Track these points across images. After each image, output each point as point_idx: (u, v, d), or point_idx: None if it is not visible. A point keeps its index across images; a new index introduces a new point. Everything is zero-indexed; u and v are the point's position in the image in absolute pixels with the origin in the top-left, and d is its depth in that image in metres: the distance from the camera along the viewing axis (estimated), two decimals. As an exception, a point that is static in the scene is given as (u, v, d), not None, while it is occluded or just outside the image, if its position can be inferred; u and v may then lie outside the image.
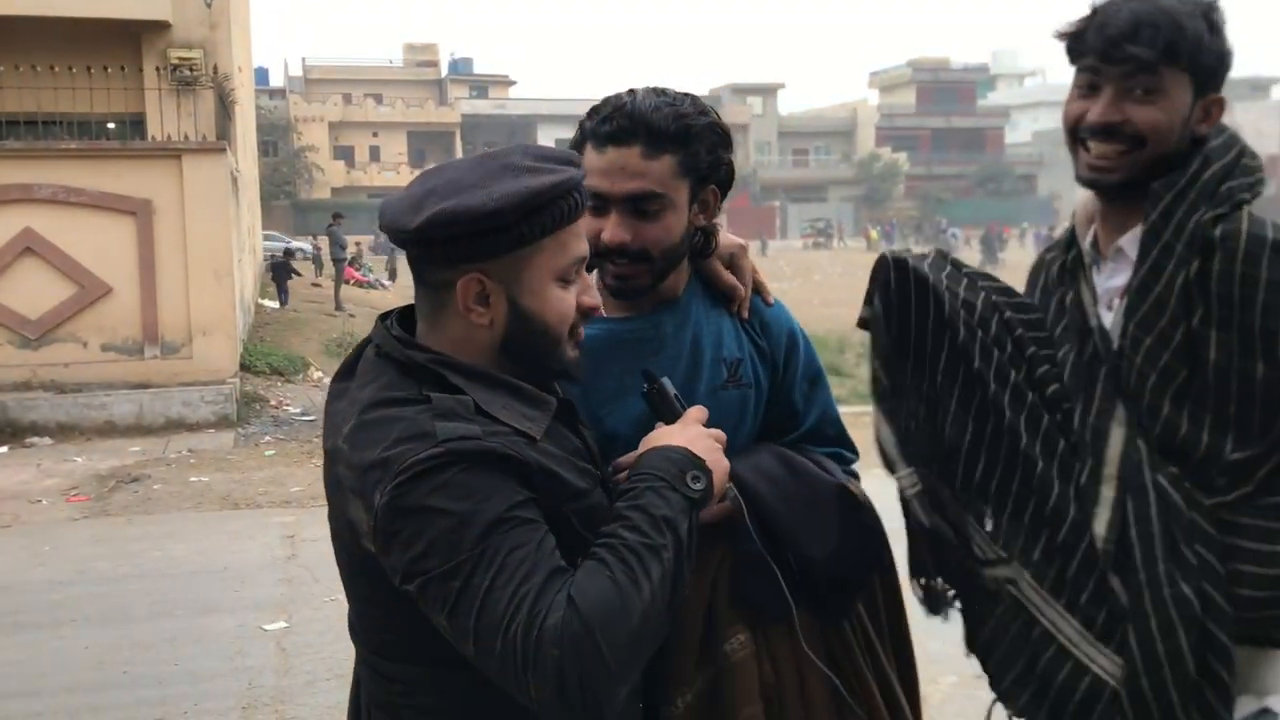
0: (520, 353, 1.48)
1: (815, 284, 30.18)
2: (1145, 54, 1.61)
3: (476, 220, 1.37)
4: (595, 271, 1.78)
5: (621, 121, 1.69)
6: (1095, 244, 1.80)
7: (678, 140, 1.70)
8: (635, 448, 1.57)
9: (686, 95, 1.77)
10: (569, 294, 1.48)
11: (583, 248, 1.48)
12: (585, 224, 1.50)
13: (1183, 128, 1.67)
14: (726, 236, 1.95)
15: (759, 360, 1.92)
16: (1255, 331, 1.59)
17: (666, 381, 1.62)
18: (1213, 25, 1.64)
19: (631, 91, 1.75)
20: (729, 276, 1.92)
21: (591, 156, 1.71)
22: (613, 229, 1.71)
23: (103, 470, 9.71)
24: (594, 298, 1.51)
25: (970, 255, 40.88)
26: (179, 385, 11.71)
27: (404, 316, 1.56)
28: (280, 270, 20.84)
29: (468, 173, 1.42)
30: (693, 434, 1.51)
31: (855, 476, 1.97)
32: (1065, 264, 1.85)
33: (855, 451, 2.04)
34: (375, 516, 1.32)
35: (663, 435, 1.52)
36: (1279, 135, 54.88)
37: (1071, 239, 1.86)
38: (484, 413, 1.40)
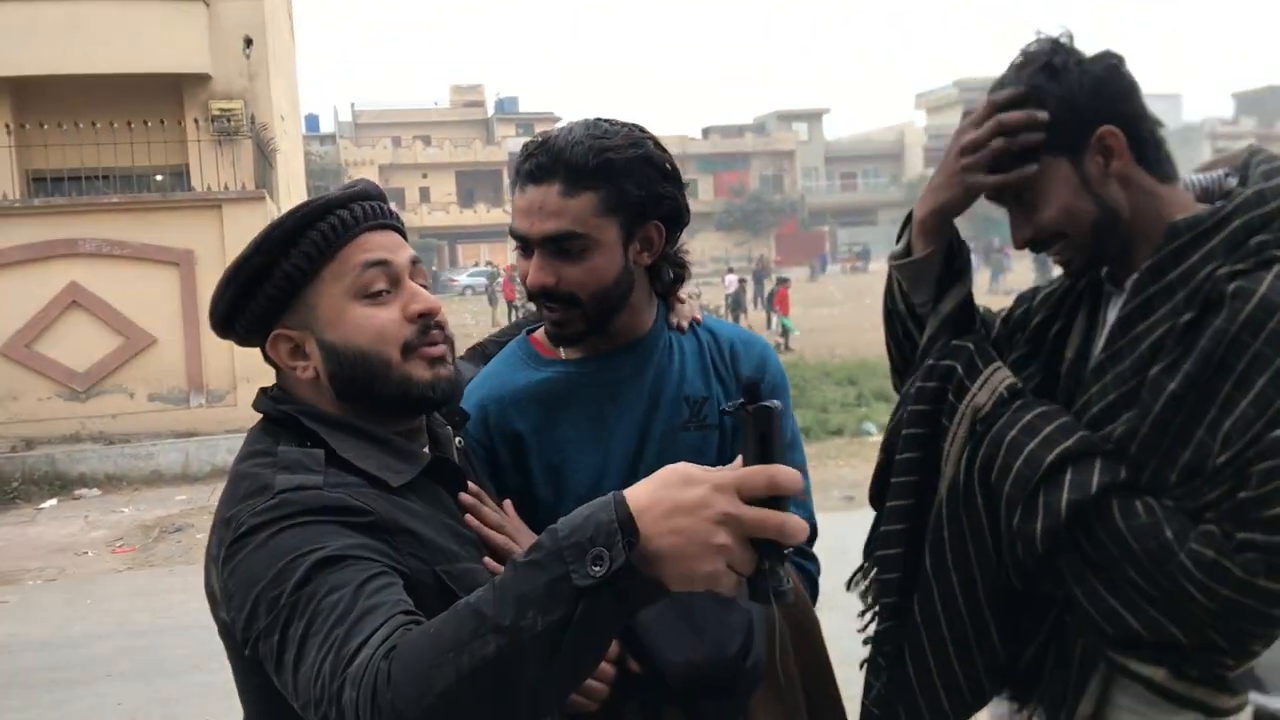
0: (353, 392, 1.37)
1: (866, 307, 29.86)
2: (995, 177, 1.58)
3: (238, 280, 1.35)
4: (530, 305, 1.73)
5: (541, 158, 1.62)
6: (1112, 274, 1.66)
7: (598, 176, 1.60)
8: None
9: (625, 126, 1.67)
10: (382, 309, 1.37)
11: (373, 254, 1.37)
12: (383, 239, 1.41)
13: (1085, 193, 1.55)
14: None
15: (725, 397, 1.79)
16: (1216, 398, 1.41)
17: (777, 407, 1.03)
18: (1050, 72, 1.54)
19: (564, 124, 1.67)
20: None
21: (516, 195, 1.66)
22: (534, 271, 1.64)
23: (148, 520, 9.75)
24: (424, 302, 1.39)
25: (1024, 272, 40.38)
26: (224, 433, 11.77)
27: None
28: None
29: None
30: (698, 498, 0.98)
31: (808, 561, 1.81)
32: (1075, 288, 1.71)
33: (814, 534, 1.83)
34: (220, 579, 1.24)
35: (657, 479, 1.02)
36: None
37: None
38: (338, 461, 1.32)
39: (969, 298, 1.72)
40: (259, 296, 1.36)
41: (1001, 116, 1.53)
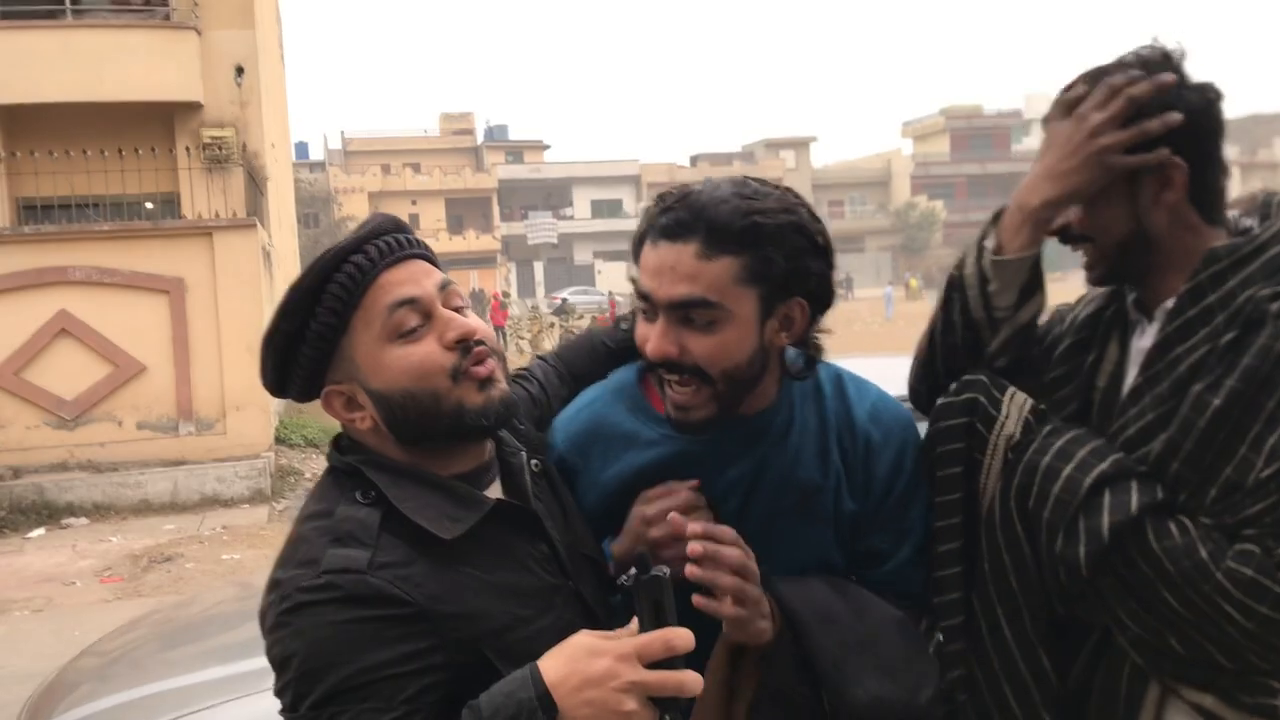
0: (411, 434, 1.35)
1: (854, 333, 29.97)
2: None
3: (274, 346, 1.35)
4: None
5: (681, 213, 1.44)
6: (1139, 301, 1.64)
7: (743, 240, 1.42)
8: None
9: (777, 189, 1.50)
10: (418, 345, 1.33)
11: (397, 294, 1.34)
12: (405, 273, 1.36)
13: (1128, 212, 1.55)
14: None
15: (848, 489, 1.58)
16: (1261, 413, 1.42)
17: (664, 575, 1.14)
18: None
19: (709, 180, 1.49)
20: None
21: (646, 251, 1.47)
22: (657, 338, 1.46)
23: (137, 550, 9.68)
24: (459, 327, 1.34)
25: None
26: (213, 461, 11.71)
27: None
28: None
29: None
30: (605, 669, 1.10)
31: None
32: (1104, 316, 1.70)
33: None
34: (266, 644, 1.27)
35: (566, 653, 1.15)
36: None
37: (1120, 290, 1.70)
38: (397, 518, 1.29)
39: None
40: (299, 359, 1.35)
41: (1133, 91, 1.47)
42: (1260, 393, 1.42)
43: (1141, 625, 1.47)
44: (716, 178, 1.50)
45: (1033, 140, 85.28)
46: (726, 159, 70.54)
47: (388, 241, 1.36)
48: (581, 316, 28.71)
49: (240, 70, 14.27)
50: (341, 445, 1.41)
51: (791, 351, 1.62)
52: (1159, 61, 1.50)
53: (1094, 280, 1.64)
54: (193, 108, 14.09)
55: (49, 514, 10.96)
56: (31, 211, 13.72)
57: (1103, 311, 1.70)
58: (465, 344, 1.34)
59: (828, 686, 1.44)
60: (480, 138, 68.75)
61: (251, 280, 12.13)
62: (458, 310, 1.37)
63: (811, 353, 1.61)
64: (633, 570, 1.14)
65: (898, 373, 1.85)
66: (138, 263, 11.76)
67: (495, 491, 1.42)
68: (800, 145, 70.77)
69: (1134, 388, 1.56)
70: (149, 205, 14.03)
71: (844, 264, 62.97)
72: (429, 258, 1.41)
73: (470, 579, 1.30)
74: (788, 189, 1.53)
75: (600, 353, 1.83)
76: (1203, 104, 1.49)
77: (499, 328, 30.07)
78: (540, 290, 56.97)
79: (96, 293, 11.69)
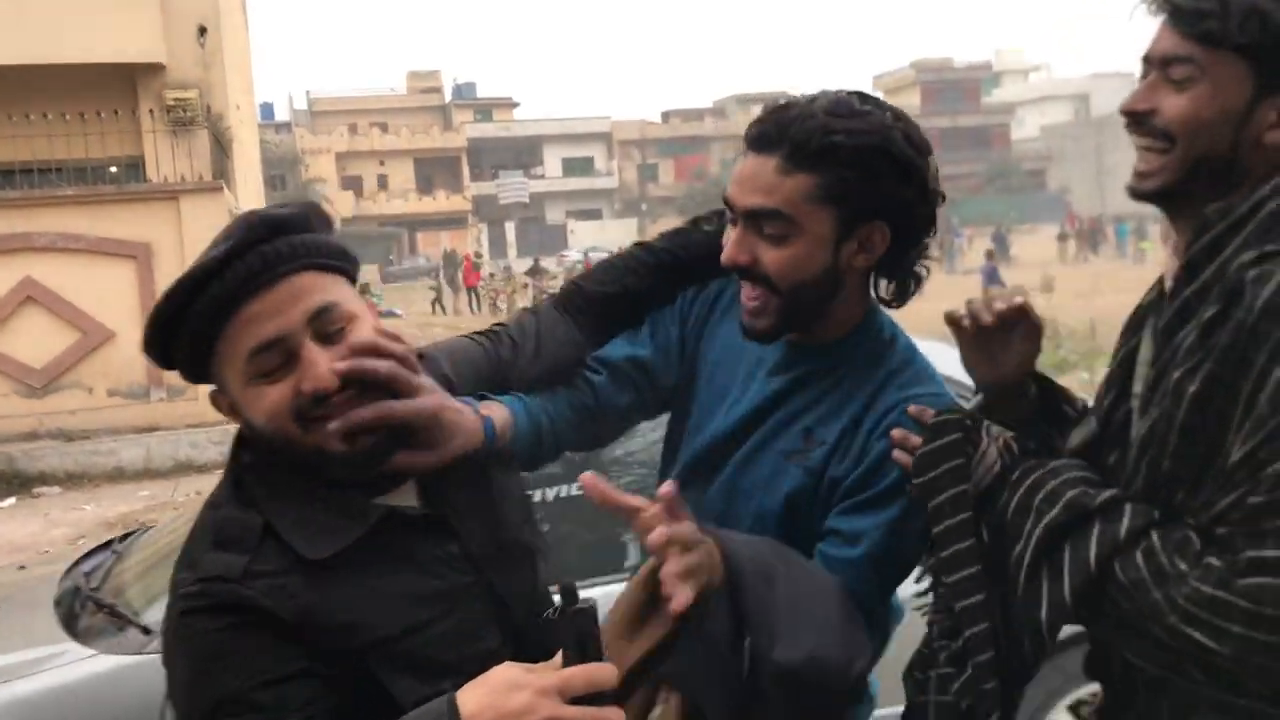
0: (275, 455, 1.27)
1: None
2: (1171, 44, 1.32)
3: (153, 355, 1.28)
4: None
5: (768, 126, 1.48)
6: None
7: (821, 159, 1.43)
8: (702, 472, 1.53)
9: (882, 111, 1.50)
10: (272, 389, 1.22)
11: (257, 336, 1.21)
12: (271, 303, 1.22)
13: (1233, 127, 1.31)
14: None
15: (849, 459, 1.56)
16: (1240, 397, 1.24)
17: (591, 607, 1.11)
18: None
19: (814, 95, 1.50)
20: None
21: (739, 159, 1.53)
22: (731, 245, 1.50)
23: (111, 517, 9.63)
24: (316, 380, 1.21)
25: (979, 252, 40.69)
26: (186, 427, 11.65)
27: None
28: None
29: None
30: (524, 704, 1.05)
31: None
32: (1145, 301, 1.51)
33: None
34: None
35: (487, 685, 1.08)
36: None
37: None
38: (273, 532, 1.23)
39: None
40: (178, 367, 1.28)
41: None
42: (1238, 374, 1.23)
43: (1156, 663, 1.30)
44: (828, 91, 1.50)
45: (1003, 92, 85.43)
46: (698, 114, 70.23)
47: (253, 260, 1.21)
48: (555, 277, 28.61)
49: (203, 30, 14.01)
50: (242, 437, 1.33)
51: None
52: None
53: (1146, 191, 1.40)
54: (155, 69, 13.83)
55: (20, 483, 10.89)
56: (-7, 177, 13.51)
57: (1141, 307, 1.51)
58: (318, 398, 1.22)
59: (757, 640, 1.41)
60: (448, 96, 68.07)
61: (220, 244, 12.02)
62: (338, 334, 1.25)
63: (910, 283, 1.61)
64: (558, 602, 1.10)
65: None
66: (103, 228, 11.62)
67: (408, 490, 1.35)
68: (772, 100, 70.25)
69: (1147, 381, 1.40)
70: (113, 169, 13.82)
71: (816, 219, 62.96)
72: (316, 261, 1.26)
73: (355, 589, 1.24)
74: (898, 112, 1.51)
75: (645, 263, 1.75)
76: None
77: (471, 289, 29.97)
78: (512, 251, 56.70)
79: (62, 259, 11.56)
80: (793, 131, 1.44)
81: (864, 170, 1.45)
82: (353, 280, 1.32)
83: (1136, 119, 1.38)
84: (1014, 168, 69.13)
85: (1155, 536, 1.27)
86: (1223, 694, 1.27)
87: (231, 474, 1.31)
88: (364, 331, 1.26)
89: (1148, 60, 1.37)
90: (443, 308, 29.34)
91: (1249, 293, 1.23)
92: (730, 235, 1.51)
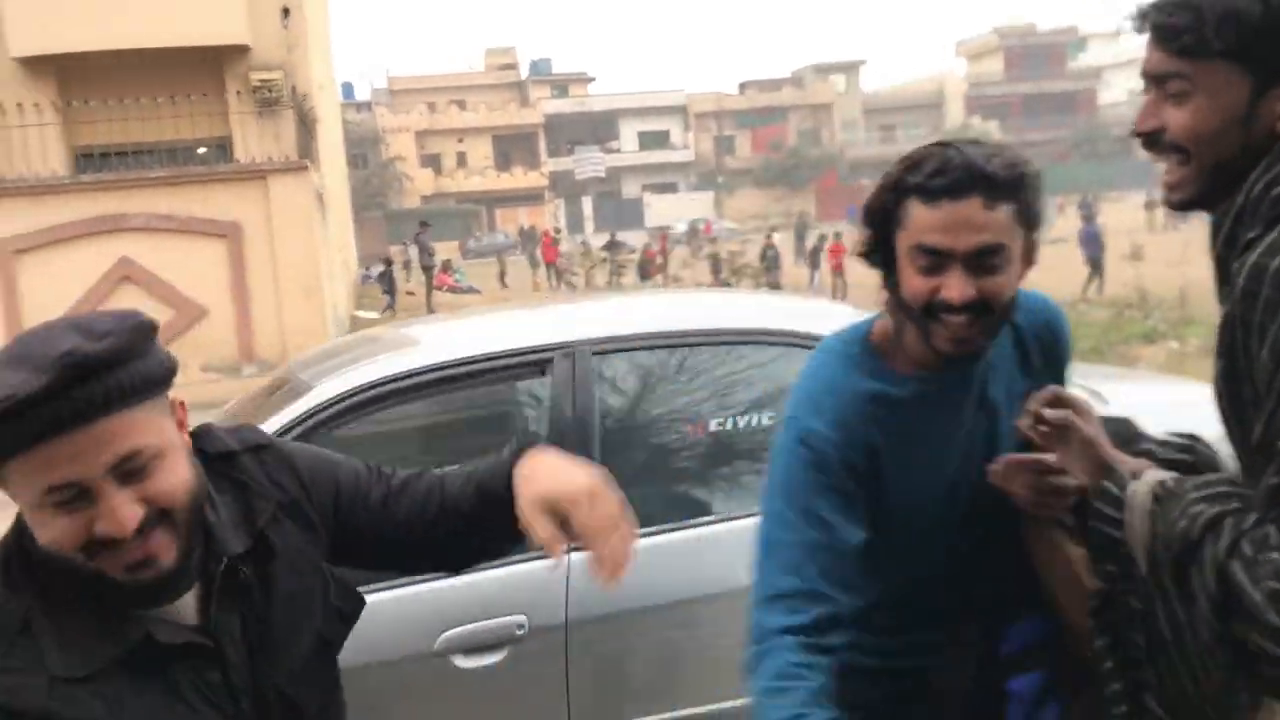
0: (48, 569, 1.19)
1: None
2: (1160, 62, 1.35)
3: None
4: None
5: (956, 174, 1.58)
6: None
7: (1014, 189, 1.59)
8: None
9: (1000, 145, 1.66)
10: (68, 520, 1.14)
11: (55, 476, 1.12)
12: (72, 446, 1.13)
13: (1241, 128, 1.32)
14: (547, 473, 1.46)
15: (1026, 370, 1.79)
16: (1243, 387, 1.26)
17: None
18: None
19: (945, 144, 1.64)
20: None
21: (922, 212, 1.60)
22: (960, 287, 1.58)
23: (206, 489, 9.94)
24: (110, 525, 1.14)
25: (1069, 220, 39.75)
26: (276, 401, 11.95)
27: None
28: (384, 279, 22.77)
29: None
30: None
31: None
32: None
33: None
34: None
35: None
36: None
37: None
38: (29, 631, 1.16)
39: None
40: None
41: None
42: (1235, 363, 1.27)
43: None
44: (947, 142, 1.64)
45: (1089, 57, 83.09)
46: (775, 85, 69.54)
47: (61, 407, 1.10)
48: (633, 251, 28.67)
49: (286, 12, 14.30)
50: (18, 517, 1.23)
51: None
52: None
53: (1177, 203, 1.44)
54: (240, 51, 14.16)
55: (120, 456, 11.28)
56: (88, 160, 13.93)
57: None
58: (105, 541, 1.15)
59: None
60: (525, 72, 68.36)
61: (306, 222, 12.29)
62: (141, 472, 1.17)
63: None
64: None
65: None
66: (195, 208, 11.95)
67: (188, 602, 1.25)
68: (850, 69, 69.52)
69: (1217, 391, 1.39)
70: (201, 150, 14.18)
71: (896, 190, 62.02)
72: (129, 401, 1.15)
73: (99, 705, 1.16)
74: (1000, 144, 1.67)
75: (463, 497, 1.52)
76: None
77: (550, 264, 30.16)
78: (589, 226, 56.91)
79: (155, 239, 11.91)
80: (985, 171, 1.57)
81: (1035, 191, 1.63)
82: (167, 388, 1.23)
83: (1149, 139, 1.40)
84: (1101, 133, 67.41)
85: (1244, 541, 1.26)
86: None
87: (2, 550, 1.23)
88: (172, 469, 1.19)
89: (1146, 77, 1.40)
90: (505, 283, 29.56)
91: (1232, 285, 1.26)
92: (941, 280, 1.62)
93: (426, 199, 58.06)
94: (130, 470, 1.15)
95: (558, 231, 37.43)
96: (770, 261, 24.48)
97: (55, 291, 11.71)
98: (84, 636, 1.17)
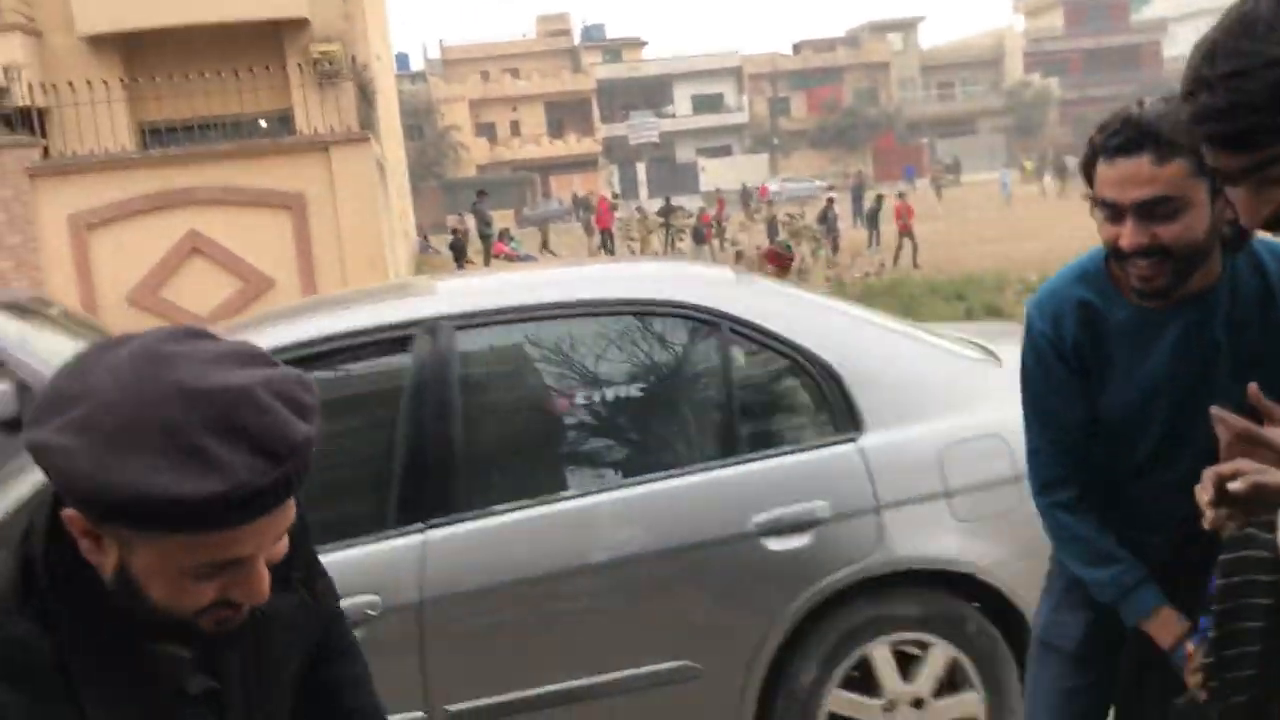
0: (124, 609, 1.09)
1: (968, 220, 29.13)
2: (1239, 161, 1.30)
3: (65, 483, 1.00)
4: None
5: (1129, 133, 1.78)
6: None
7: (1186, 145, 1.72)
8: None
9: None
10: (203, 587, 1.07)
11: (234, 552, 1.06)
12: (257, 529, 1.07)
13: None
14: None
15: None
16: None
17: None
18: None
19: (1140, 103, 1.84)
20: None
21: (1103, 169, 1.83)
22: (1130, 235, 1.81)
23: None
24: (248, 593, 1.10)
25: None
26: (343, 370, 12.11)
27: None
28: (457, 248, 24.04)
29: (116, 415, 1.00)
30: None
31: None
32: None
33: None
34: None
35: None
36: None
37: None
38: (67, 675, 1.07)
39: None
40: (73, 495, 1.02)
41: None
42: None
43: None
44: (1145, 99, 1.83)
45: (1152, 10, 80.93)
46: (830, 45, 68.68)
47: (282, 496, 1.05)
48: (690, 215, 28.55)
49: (344, -16, 14.39)
50: (46, 535, 1.10)
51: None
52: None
53: None
54: (299, 24, 14.28)
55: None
56: (155, 135, 14.16)
57: None
58: (236, 603, 1.11)
59: None
60: (577, 38, 68.14)
61: (368, 193, 12.39)
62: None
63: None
64: None
65: None
66: (259, 180, 12.09)
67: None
68: (908, 26, 68.39)
69: None
70: (263, 123, 14.34)
71: (955, 148, 61.20)
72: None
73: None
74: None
75: None
76: None
77: (604, 230, 30.18)
78: (643, 191, 56.77)
79: (222, 211, 12.08)
80: (1155, 130, 1.75)
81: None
82: None
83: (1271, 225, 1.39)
84: (1166, 87, 65.70)
85: None
86: None
87: (23, 573, 1.10)
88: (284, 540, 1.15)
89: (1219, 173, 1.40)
90: (550, 250, 29.60)
91: None
92: (1120, 229, 1.82)
93: (482, 168, 58.23)
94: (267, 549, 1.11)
95: (616, 197, 37.28)
96: (830, 224, 24.14)
97: (127, 265, 11.96)
98: (119, 684, 1.10)
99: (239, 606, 1.11)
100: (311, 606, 1.34)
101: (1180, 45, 72.24)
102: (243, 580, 1.08)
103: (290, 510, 1.09)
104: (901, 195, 23.46)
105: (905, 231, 21.35)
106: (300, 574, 1.31)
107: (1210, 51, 1.22)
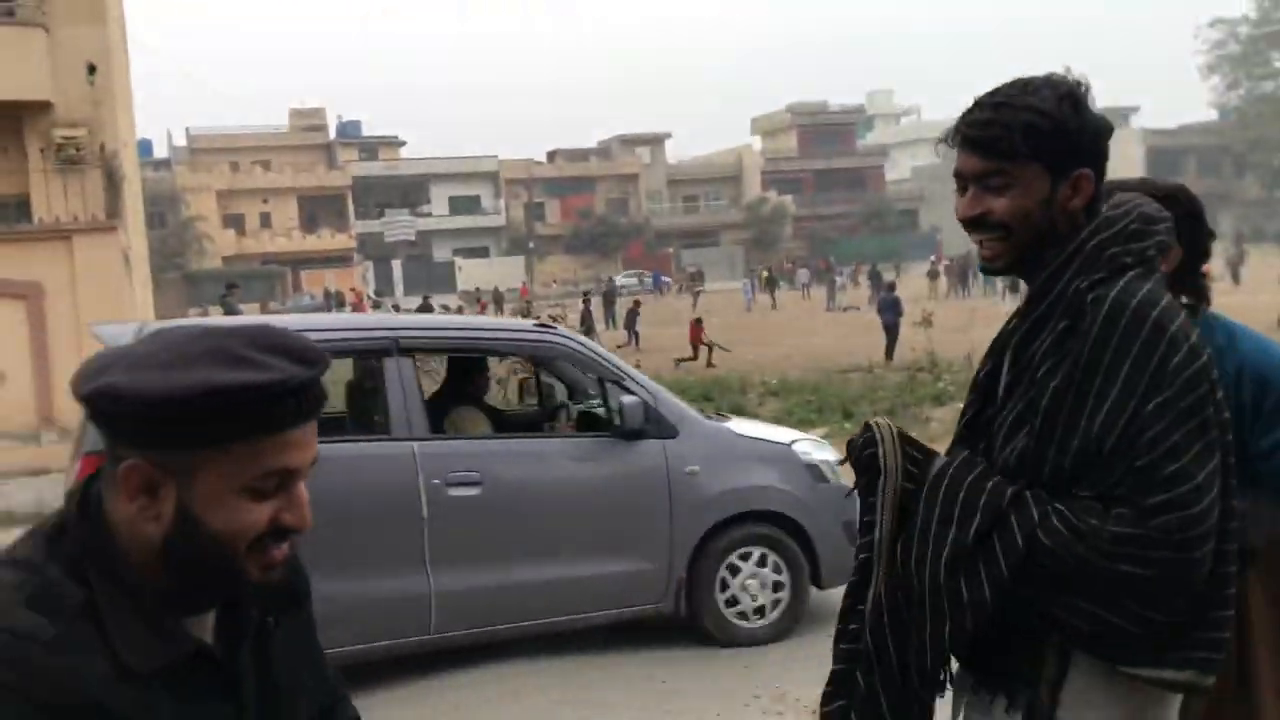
0: (181, 562, 1.18)
1: (714, 326, 30.60)
2: (979, 164, 1.78)
3: (142, 406, 1.12)
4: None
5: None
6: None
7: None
8: None
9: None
10: (259, 508, 1.19)
11: (285, 460, 1.19)
12: (305, 434, 1.21)
13: (1047, 206, 1.77)
14: None
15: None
16: (1092, 391, 1.67)
17: None
18: (1075, 107, 1.75)
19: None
20: None
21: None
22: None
23: (4, 560, 9.48)
24: (297, 517, 1.22)
25: (860, 291, 41.80)
26: (79, 468, 11.48)
27: None
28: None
29: (169, 348, 1.16)
30: None
31: None
32: (1005, 328, 1.96)
33: None
34: None
35: None
36: (1142, 160, 58.09)
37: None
38: (95, 618, 1.15)
39: None
40: (160, 426, 1.14)
41: None
42: (1087, 373, 1.67)
43: (1079, 615, 1.67)
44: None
45: (876, 135, 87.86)
46: (583, 154, 70.93)
47: (318, 394, 1.20)
48: (449, 310, 28.63)
49: (93, 69, 13.93)
50: (79, 514, 1.21)
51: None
52: (1071, 86, 1.77)
53: (999, 268, 1.85)
54: (43, 107, 13.70)
55: (-94, 528, 10.60)
56: None
57: (1003, 332, 1.93)
58: (285, 532, 1.22)
59: None
60: (333, 134, 67.46)
61: (114, 283, 11.95)
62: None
63: (1194, 300, 2.27)
64: None
65: None
66: (-7, 268, 11.46)
67: (205, 626, 1.28)
68: (655, 141, 71.60)
69: (1006, 385, 1.84)
70: (-4, 208, 13.59)
71: (698, 257, 63.97)
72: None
73: (147, 710, 1.17)
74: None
75: None
76: (1106, 128, 1.79)
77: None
78: (399, 289, 56.31)
79: (-51, 299, 11.35)
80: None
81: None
82: None
83: (974, 222, 1.81)
84: (888, 208, 71.31)
85: (1059, 508, 1.68)
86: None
87: (51, 536, 1.21)
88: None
89: (962, 176, 1.84)
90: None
91: (1089, 310, 1.70)
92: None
93: (228, 260, 56.26)
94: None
95: (379, 293, 36.80)
96: (589, 326, 25.16)
97: None
98: (145, 635, 1.18)
99: (283, 547, 1.22)
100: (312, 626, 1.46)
101: (900, 169, 78.77)
102: (292, 502, 1.21)
103: (314, 443, 1.23)
104: (699, 322, 23.80)
105: (698, 341, 21.90)
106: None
107: (992, 91, 1.80)
